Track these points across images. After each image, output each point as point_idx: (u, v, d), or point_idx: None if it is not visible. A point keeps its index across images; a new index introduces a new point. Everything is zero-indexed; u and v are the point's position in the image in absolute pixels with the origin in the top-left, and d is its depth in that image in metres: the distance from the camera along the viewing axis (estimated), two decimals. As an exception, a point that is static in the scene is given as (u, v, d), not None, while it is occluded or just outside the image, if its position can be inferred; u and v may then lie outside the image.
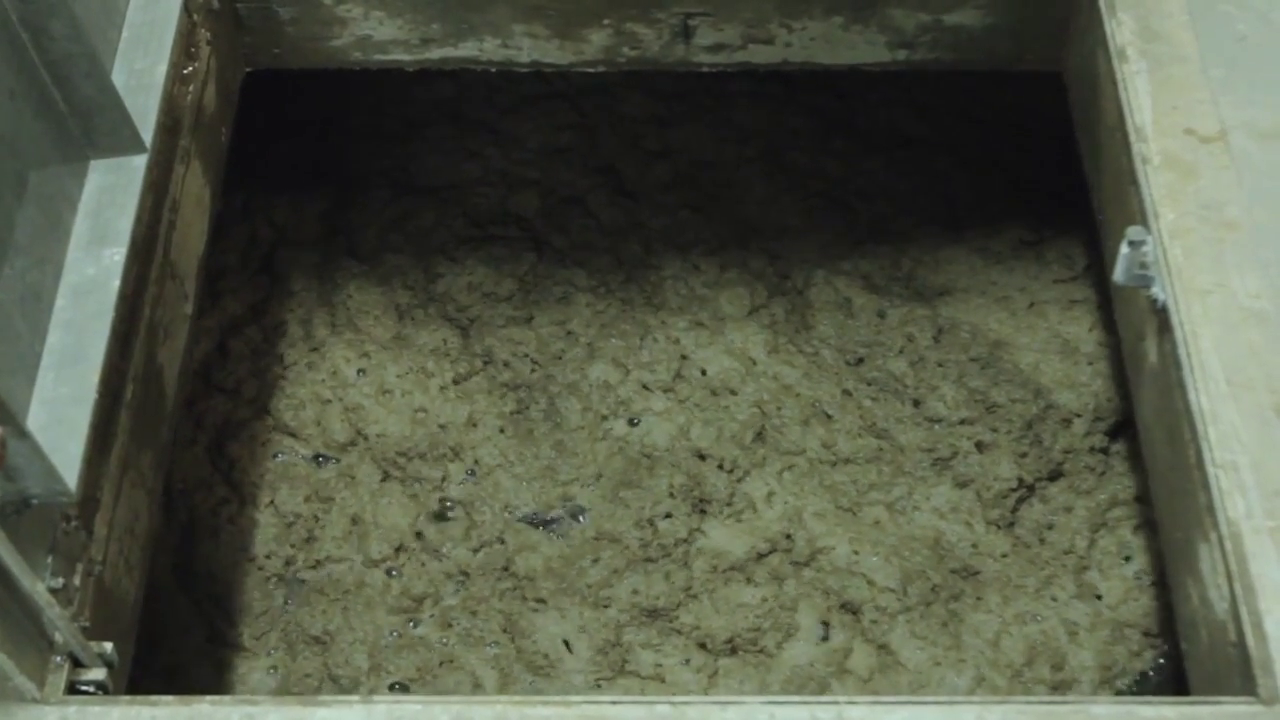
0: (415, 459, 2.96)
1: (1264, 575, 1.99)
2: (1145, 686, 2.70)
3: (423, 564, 2.86)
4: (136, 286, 2.34)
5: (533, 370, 3.07)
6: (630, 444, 2.97)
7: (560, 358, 3.09)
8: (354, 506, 2.92)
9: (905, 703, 1.99)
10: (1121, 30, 2.50)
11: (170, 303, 2.50)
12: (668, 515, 2.88)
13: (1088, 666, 2.71)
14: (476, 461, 2.96)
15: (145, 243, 2.37)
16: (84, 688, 2.05)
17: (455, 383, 3.05)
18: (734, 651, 2.75)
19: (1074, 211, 3.13)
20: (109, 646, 2.08)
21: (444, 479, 2.94)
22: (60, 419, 2.07)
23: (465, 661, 2.75)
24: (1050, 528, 2.87)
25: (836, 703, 1.96)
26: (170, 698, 1.99)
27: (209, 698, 2.00)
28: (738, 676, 2.73)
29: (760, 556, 2.84)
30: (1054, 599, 2.79)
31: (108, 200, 2.29)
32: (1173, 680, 2.69)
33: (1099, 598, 2.79)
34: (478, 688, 2.72)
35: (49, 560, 2.04)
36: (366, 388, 3.05)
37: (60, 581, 2.05)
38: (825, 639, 2.76)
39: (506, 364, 3.08)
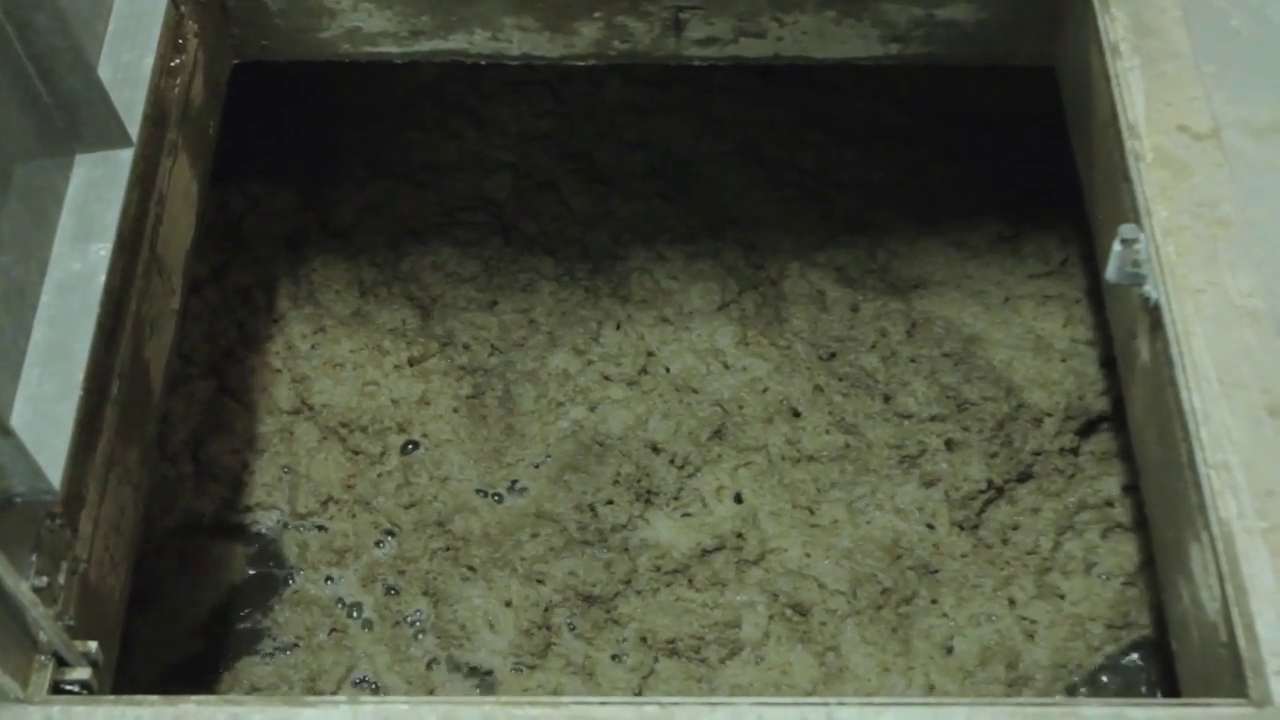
0: (358, 431, 2.95)
1: (1255, 576, 1.98)
2: (1111, 681, 2.70)
3: (353, 515, 2.85)
4: (123, 281, 2.32)
5: (491, 355, 3.05)
6: (584, 429, 2.95)
7: (521, 345, 3.07)
8: (286, 458, 2.92)
9: (894, 704, 1.98)
10: (1114, 26, 2.48)
11: (157, 297, 2.48)
12: (609, 502, 2.86)
13: (1043, 666, 2.69)
14: (425, 435, 2.95)
15: (132, 237, 2.36)
16: (68, 687, 2.03)
17: (410, 363, 3.04)
18: (674, 654, 2.72)
19: (1052, 206, 3.13)
20: (94, 645, 2.07)
21: (383, 453, 2.93)
22: (45, 416, 2.05)
23: (353, 630, 2.74)
24: (1015, 528, 2.84)
25: (826, 704, 1.96)
26: (155, 697, 1.98)
27: (195, 698, 1.99)
28: (678, 678, 2.69)
29: (705, 553, 2.80)
30: (1012, 600, 2.77)
31: (94, 195, 2.27)
32: (1146, 672, 2.68)
33: (1061, 596, 2.76)
34: (366, 654, 2.71)
35: (33, 559, 2.03)
36: (317, 360, 3.04)
37: (44, 580, 2.04)
38: (766, 646, 2.71)
39: (466, 347, 3.06)
